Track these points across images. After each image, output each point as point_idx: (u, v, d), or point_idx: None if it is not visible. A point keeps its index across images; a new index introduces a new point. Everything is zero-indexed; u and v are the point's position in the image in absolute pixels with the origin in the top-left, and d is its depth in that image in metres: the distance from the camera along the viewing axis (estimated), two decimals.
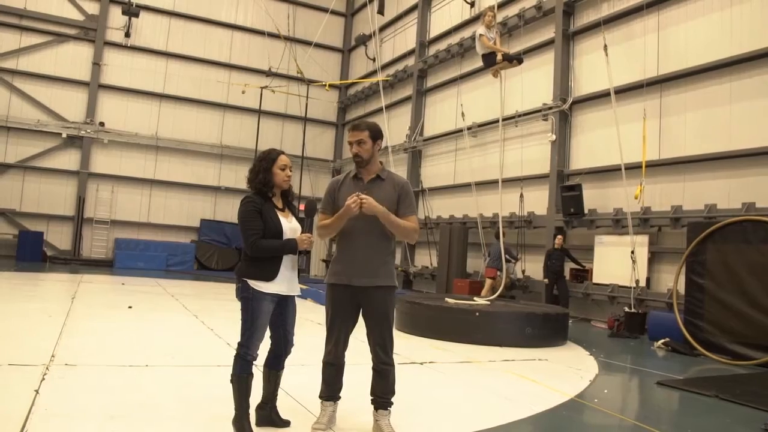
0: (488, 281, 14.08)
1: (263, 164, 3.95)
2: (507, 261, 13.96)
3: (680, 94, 11.85)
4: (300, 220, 4.10)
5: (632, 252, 11.38)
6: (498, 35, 10.97)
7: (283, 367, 4.11)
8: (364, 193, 4.05)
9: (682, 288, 9.87)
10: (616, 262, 12.15)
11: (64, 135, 21.13)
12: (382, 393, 4.06)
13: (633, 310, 11.13)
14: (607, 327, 11.59)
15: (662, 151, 12.02)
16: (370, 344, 4.06)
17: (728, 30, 11.04)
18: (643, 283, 11.67)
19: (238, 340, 3.84)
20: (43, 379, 4.90)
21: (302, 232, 3.98)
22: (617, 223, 12.56)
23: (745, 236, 8.89)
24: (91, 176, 21.70)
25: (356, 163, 4.14)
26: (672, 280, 10.41)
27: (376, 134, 4.13)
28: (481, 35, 10.25)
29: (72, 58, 21.55)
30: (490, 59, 10.50)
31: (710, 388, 6.28)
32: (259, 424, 3.97)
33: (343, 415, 4.26)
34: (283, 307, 3.97)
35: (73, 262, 20.70)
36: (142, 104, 22.59)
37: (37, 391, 4.51)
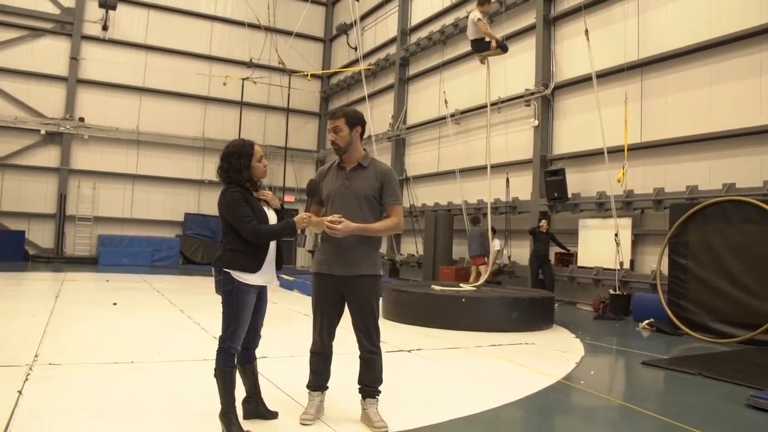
0: (474, 268, 14.13)
1: (243, 161, 3.83)
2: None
3: (661, 78, 11.91)
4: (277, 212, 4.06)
5: (616, 235, 11.46)
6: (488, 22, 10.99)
7: (255, 359, 4.08)
8: (346, 182, 4.04)
9: (665, 269, 9.97)
10: (601, 245, 12.23)
11: (42, 131, 20.85)
12: (370, 381, 4.06)
13: (618, 292, 11.23)
14: (592, 309, 11.68)
15: (644, 134, 12.09)
16: (355, 333, 4.06)
17: (707, 13, 11.09)
18: (627, 266, 11.76)
19: (220, 334, 3.80)
20: (27, 379, 4.85)
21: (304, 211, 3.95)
22: (601, 207, 12.63)
23: (726, 216, 8.98)
24: (72, 173, 21.46)
25: (335, 151, 4.12)
26: (655, 261, 10.50)
27: (353, 121, 4.09)
28: (479, 19, 10.24)
29: (49, 53, 21.23)
30: (480, 44, 10.51)
31: (694, 367, 6.36)
32: (246, 417, 3.95)
33: (331, 404, 4.26)
34: (259, 299, 3.94)
35: (56, 260, 20.50)
36: (122, 98, 22.33)
37: (20, 392, 4.46)
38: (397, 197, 4.14)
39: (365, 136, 4.26)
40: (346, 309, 4.12)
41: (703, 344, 8.44)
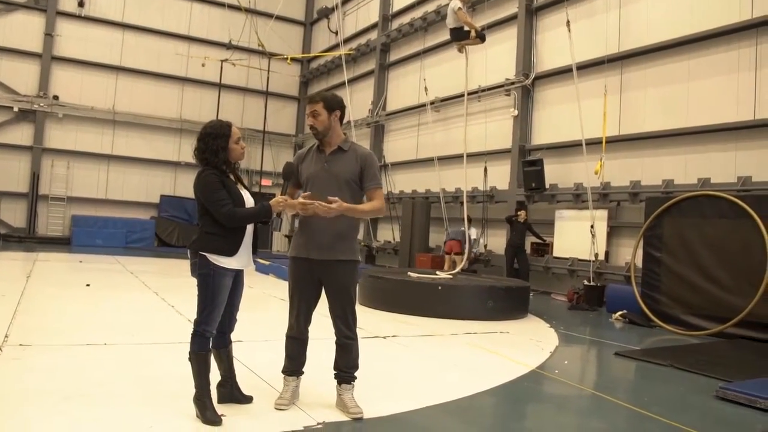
0: (449, 257, 14.19)
1: (220, 142, 3.78)
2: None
3: (640, 71, 11.99)
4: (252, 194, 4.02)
5: (592, 226, 11.55)
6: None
7: (230, 342, 4.05)
8: (326, 165, 4.01)
9: (639, 261, 10.09)
10: (576, 236, 12.33)
11: (15, 109, 20.38)
12: (346, 367, 4.05)
13: (592, 283, 11.34)
14: (566, 300, 11.79)
15: (622, 127, 12.18)
16: (332, 318, 4.04)
17: (687, 9, 11.17)
18: (602, 257, 11.87)
19: (195, 317, 3.77)
20: None
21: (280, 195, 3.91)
22: (577, 198, 12.73)
23: (701, 211, 9.10)
24: (45, 151, 21.03)
25: (314, 135, 4.09)
26: (630, 253, 10.62)
27: (332, 105, 4.05)
28: (459, 8, 10.22)
29: (22, 29, 20.70)
30: (459, 33, 10.50)
31: (666, 358, 6.46)
32: (221, 401, 3.92)
33: (307, 390, 4.25)
34: (235, 283, 3.90)
35: (29, 240, 20.14)
36: (98, 77, 21.90)
37: None
38: (378, 181, 4.13)
39: (344, 121, 4.22)
40: (323, 294, 4.10)
41: (675, 336, 8.57)
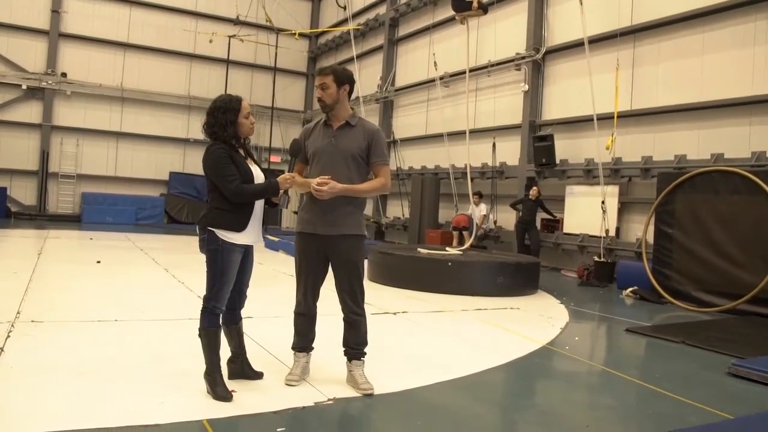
0: (456, 233, 14.18)
1: (229, 116, 3.73)
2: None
3: (653, 45, 11.79)
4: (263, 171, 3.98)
5: (603, 202, 11.47)
6: None
7: (240, 319, 4.04)
8: (333, 140, 3.97)
9: (651, 237, 10.01)
10: (587, 212, 12.25)
11: (24, 86, 20.39)
12: (355, 344, 4.05)
13: (602, 260, 11.29)
14: (577, 276, 11.76)
15: (634, 102, 12.02)
16: (339, 294, 4.03)
17: None
18: (612, 233, 11.80)
19: (204, 293, 3.75)
20: (8, 336, 4.79)
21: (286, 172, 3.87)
22: (588, 174, 12.61)
23: (714, 186, 9.01)
24: (54, 129, 21.07)
25: (321, 108, 4.04)
26: (641, 229, 10.55)
27: (342, 79, 4.00)
28: None
29: (29, 5, 20.59)
30: (461, 3, 10.36)
31: (677, 335, 6.42)
32: (231, 377, 3.93)
33: (317, 366, 4.25)
34: (244, 259, 3.88)
35: (39, 217, 20.26)
36: (105, 54, 21.84)
37: (2, 349, 4.41)
38: (385, 158, 4.08)
39: (353, 96, 4.17)
40: (330, 270, 4.08)
41: (686, 313, 8.53)
